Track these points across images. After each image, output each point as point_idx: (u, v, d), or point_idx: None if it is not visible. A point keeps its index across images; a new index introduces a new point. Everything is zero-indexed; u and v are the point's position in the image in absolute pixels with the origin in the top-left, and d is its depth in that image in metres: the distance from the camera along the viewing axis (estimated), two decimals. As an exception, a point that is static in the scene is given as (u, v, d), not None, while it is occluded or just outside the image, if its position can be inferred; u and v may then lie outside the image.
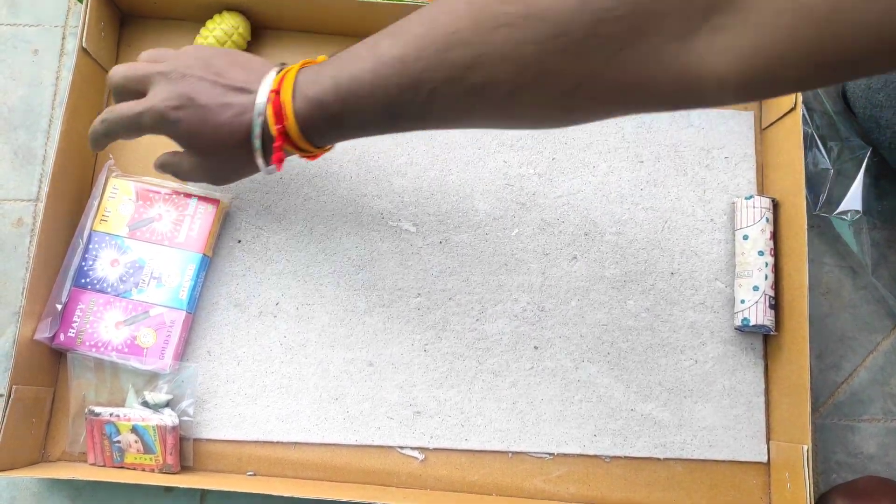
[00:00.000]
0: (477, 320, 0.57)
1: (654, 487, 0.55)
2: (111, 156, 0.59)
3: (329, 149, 0.47)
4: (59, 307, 0.54)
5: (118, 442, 0.53)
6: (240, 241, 0.58)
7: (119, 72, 0.47)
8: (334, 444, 0.55)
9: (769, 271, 0.56)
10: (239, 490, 0.50)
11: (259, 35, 0.62)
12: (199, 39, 0.60)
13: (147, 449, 0.52)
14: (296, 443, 0.55)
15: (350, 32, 0.61)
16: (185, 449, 0.54)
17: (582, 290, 0.58)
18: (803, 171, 0.55)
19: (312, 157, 0.47)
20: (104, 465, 0.53)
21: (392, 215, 0.59)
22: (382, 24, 0.39)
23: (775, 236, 0.58)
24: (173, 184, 0.56)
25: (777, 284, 0.57)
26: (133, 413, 0.53)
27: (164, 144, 0.47)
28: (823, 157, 0.61)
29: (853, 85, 0.60)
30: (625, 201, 0.60)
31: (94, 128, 0.48)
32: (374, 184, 0.60)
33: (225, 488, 0.50)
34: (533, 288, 0.58)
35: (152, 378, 0.55)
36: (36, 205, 0.60)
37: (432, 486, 0.55)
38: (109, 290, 0.55)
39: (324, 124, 0.42)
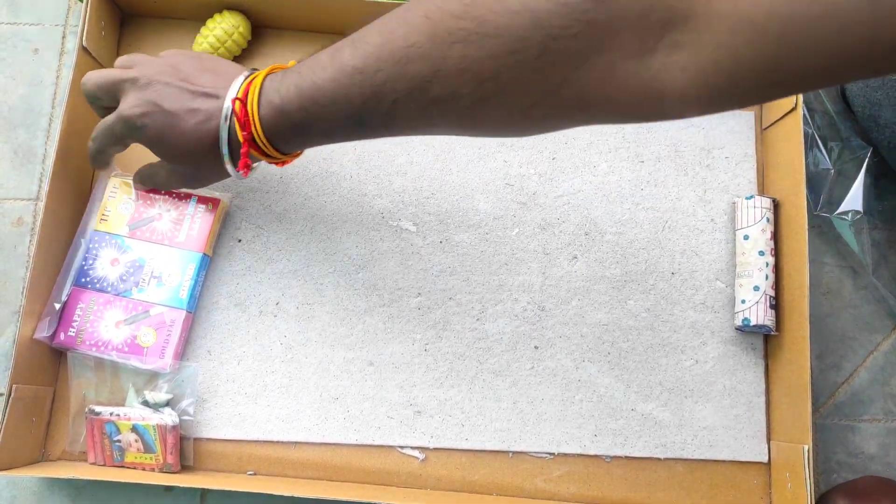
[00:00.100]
0: (477, 320, 0.57)
1: (654, 487, 0.55)
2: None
3: (298, 154, 0.48)
4: (59, 306, 0.54)
5: (118, 441, 0.52)
6: (240, 241, 0.58)
7: (91, 79, 0.47)
8: (334, 444, 0.55)
9: (770, 271, 0.56)
10: (239, 490, 0.50)
11: (259, 34, 0.62)
12: (199, 39, 0.60)
13: (147, 448, 0.52)
14: (296, 442, 0.55)
15: (350, 32, 0.61)
16: (185, 448, 0.54)
17: (582, 289, 0.58)
18: (804, 171, 0.55)
19: (281, 163, 0.47)
20: (104, 465, 0.53)
21: (392, 215, 0.59)
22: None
23: (776, 236, 0.58)
24: None
25: (778, 284, 0.57)
26: (133, 412, 0.52)
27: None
28: (824, 157, 0.61)
29: (851, 83, 0.60)
30: (625, 201, 0.60)
31: (89, 147, 0.50)
32: (375, 183, 0.60)
33: (225, 488, 0.50)
34: (533, 288, 0.58)
35: (152, 377, 0.55)
36: (36, 204, 0.60)
37: (433, 485, 0.55)
38: (109, 289, 0.54)
39: (289, 132, 0.42)
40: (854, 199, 0.60)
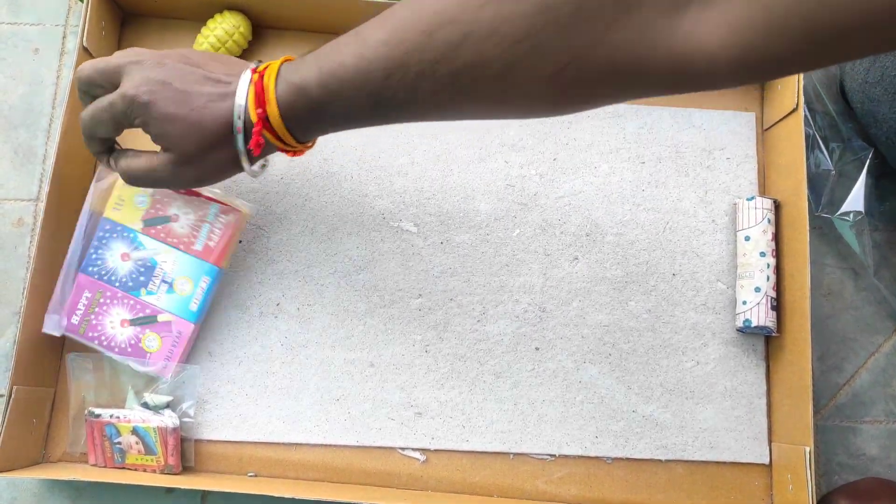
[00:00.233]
0: (478, 321, 0.57)
1: (655, 489, 0.55)
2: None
3: (311, 145, 0.45)
4: (64, 294, 0.52)
5: (119, 443, 0.52)
6: (241, 242, 0.58)
7: (89, 65, 0.44)
8: (335, 445, 0.55)
9: (771, 272, 0.56)
10: (240, 491, 0.50)
11: (260, 34, 0.62)
12: (200, 38, 0.60)
13: (148, 450, 0.52)
14: (297, 444, 0.55)
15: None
16: (186, 450, 0.54)
17: (583, 291, 0.58)
18: (805, 172, 0.55)
19: (294, 152, 0.44)
20: (105, 466, 0.53)
21: (393, 216, 0.59)
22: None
23: (777, 237, 0.58)
24: None
25: (779, 286, 0.57)
26: (133, 415, 0.52)
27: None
28: (825, 158, 0.61)
29: (850, 79, 0.59)
30: (626, 202, 0.60)
31: (82, 132, 0.46)
32: (375, 184, 0.60)
33: (226, 489, 0.50)
34: (534, 289, 0.58)
35: (152, 379, 0.55)
36: (36, 204, 0.60)
37: (433, 487, 0.55)
38: (118, 284, 0.53)
39: (306, 113, 0.40)
40: (855, 200, 0.60)
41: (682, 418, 0.56)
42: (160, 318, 0.53)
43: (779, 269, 0.57)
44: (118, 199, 0.53)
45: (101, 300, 0.53)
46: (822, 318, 0.60)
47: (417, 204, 0.59)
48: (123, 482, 0.50)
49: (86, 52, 0.56)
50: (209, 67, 0.43)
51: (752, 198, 0.58)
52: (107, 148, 0.48)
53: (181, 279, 0.53)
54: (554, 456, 0.56)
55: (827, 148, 0.61)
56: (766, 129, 0.62)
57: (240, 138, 0.42)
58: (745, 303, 0.56)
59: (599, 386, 0.57)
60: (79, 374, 0.54)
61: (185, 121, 0.41)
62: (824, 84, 0.63)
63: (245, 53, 0.62)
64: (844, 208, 0.60)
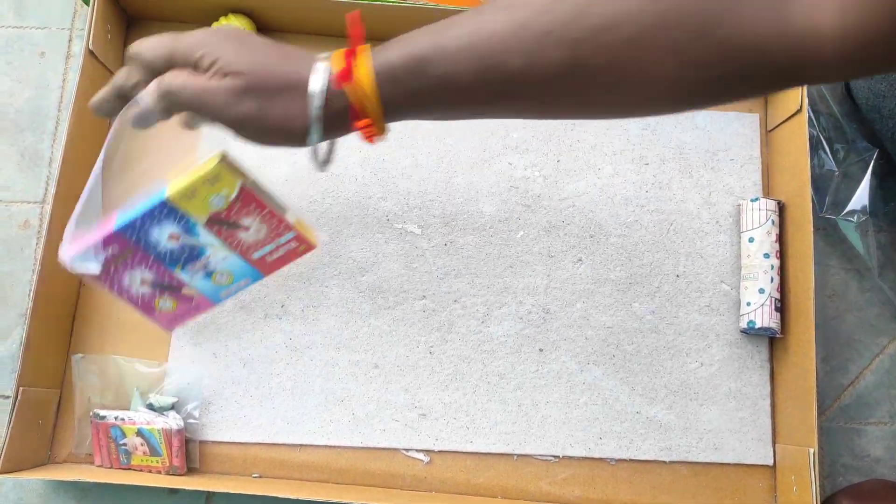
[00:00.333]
0: (482, 322, 0.57)
1: (659, 490, 0.55)
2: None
3: (384, 136, 0.40)
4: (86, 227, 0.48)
5: (124, 445, 0.53)
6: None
7: (160, 43, 0.38)
8: (340, 447, 0.55)
9: (775, 274, 0.56)
10: (244, 492, 0.50)
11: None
12: (204, 42, 0.60)
13: (153, 451, 0.52)
14: (301, 445, 0.55)
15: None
16: (191, 451, 0.54)
17: (587, 292, 0.58)
18: (809, 174, 0.55)
19: (372, 132, 0.39)
20: (111, 467, 0.53)
21: (397, 217, 0.59)
22: (389, 27, 0.39)
23: (781, 239, 0.58)
24: (278, 201, 0.48)
25: (783, 287, 0.57)
26: (138, 416, 0.53)
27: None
28: (829, 159, 0.61)
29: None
30: (630, 203, 0.60)
31: (152, 104, 0.39)
32: (380, 186, 0.60)
33: (230, 490, 0.50)
34: (538, 290, 0.58)
35: (157, 380, 0.55)
36: (42, 207, 0.60)
37: (437, 488, 0.55)
38: (153, 253, 0.48)
39: (411, 81, 0.36)
40: (860, 201, 0.60)
41: (686, 420, 0.56)
42: (184, 290, 0.50)
43: (783, 271, 0.57)
44: (190, 190, 0.46)
45: (129, 256, 0.48)
46: (827, 320, 0.60)
47: (421, 206, 0.59)
48: (128, 483, 0.50)
49: (91, 56, 0.56)
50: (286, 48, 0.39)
51: (756, 199, 0.58)
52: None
53: (223, 272, 0.50)
54: (558, 457, 0.56)
55: (831, 149, 0.61)
56: (770, 131, 0.62)
57: (318, 78, 0.36)
58: (749, 304, 0.56)
59: (603, 387, 0.57)
60: (84, 375, 0.54)
61: (264, 48, 0.38)
62: (828, 86, 0.63)
63: (249, 56, 0.62)
64: (849, 209, 0.60)
